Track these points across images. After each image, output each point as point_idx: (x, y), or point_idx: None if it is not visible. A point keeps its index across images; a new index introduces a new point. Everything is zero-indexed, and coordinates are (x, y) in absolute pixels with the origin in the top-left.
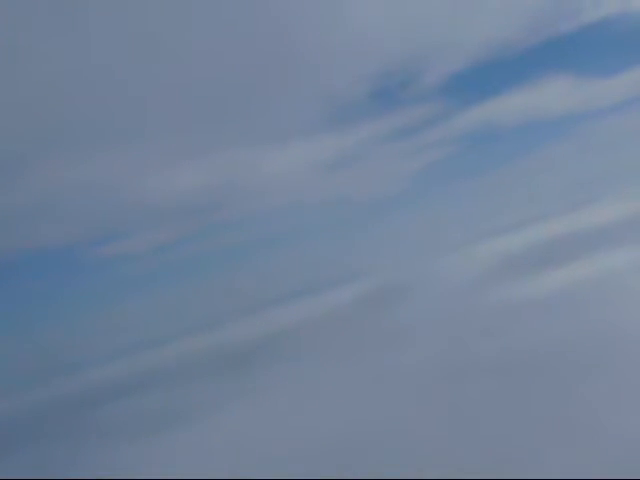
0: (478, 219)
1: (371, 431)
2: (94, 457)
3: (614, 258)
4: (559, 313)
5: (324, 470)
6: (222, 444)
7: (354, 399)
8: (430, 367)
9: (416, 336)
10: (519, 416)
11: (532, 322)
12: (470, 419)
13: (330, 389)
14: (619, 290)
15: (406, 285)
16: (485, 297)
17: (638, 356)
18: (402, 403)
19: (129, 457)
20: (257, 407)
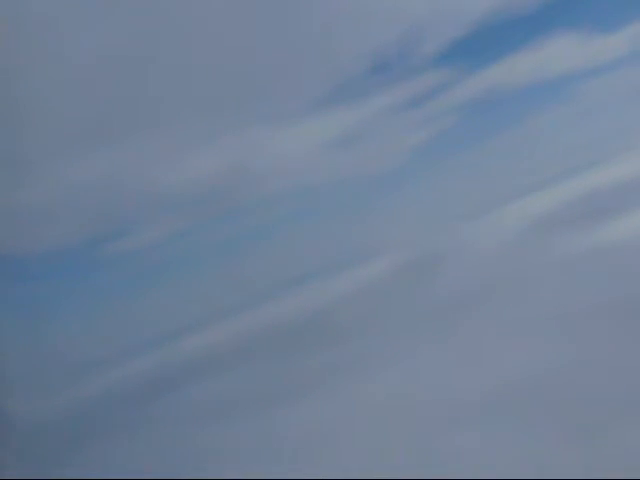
0: (498, 182)
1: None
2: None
3: None
4: (628, 262)
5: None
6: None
7: (474, 356)
8: (538, 320)
9: (490, 295)
10: None
11: (611, 270)
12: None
13: (432, 352)
14: None
15: (447, 251)
16: (544, 250)
17: None
18: (539, 356)
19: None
20: (357, 381)
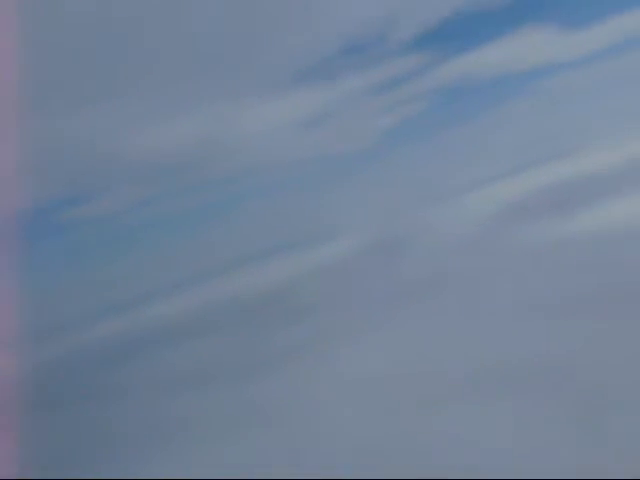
0: (465, 169)
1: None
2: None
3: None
4: (592, 254)
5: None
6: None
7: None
8: (492, 307)
9: (453, 281)
10: None
11: (572, 262)
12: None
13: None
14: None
15: (412, 234)
16: (508, 237)
17: None
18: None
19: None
20: (322, 357)
